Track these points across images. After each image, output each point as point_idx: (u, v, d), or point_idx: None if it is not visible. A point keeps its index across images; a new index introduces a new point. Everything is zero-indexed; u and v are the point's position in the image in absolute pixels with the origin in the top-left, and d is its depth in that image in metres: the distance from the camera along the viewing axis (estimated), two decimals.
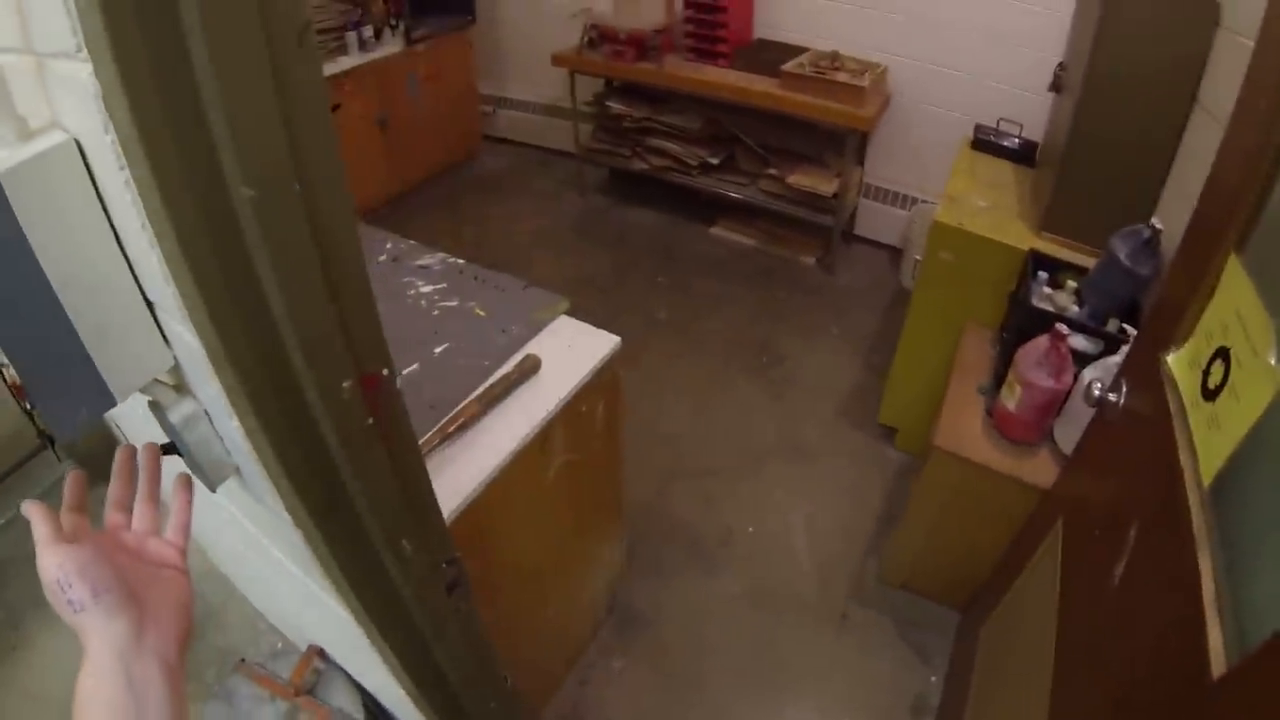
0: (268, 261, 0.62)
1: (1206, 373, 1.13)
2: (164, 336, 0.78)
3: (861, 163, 4.16)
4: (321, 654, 1.70)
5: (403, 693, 1.24)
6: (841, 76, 3.55)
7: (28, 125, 0.64)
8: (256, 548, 1.38)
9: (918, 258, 2.75)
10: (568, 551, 1.95)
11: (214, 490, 0.94)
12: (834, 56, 3.75)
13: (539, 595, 1.86)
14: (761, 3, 4.02)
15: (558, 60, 4.22)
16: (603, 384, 1.69)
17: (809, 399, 3.35)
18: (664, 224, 4.56)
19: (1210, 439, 1.05)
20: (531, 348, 1.64)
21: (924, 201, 3.99)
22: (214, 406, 0.82)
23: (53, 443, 2.44)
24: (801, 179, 3.91)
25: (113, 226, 0.69)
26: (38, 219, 0.64)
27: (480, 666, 1.28)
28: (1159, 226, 1.84)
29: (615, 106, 4.31)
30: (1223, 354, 1.09)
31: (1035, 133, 2.97)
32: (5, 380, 1.04)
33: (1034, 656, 1.48)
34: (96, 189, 0.67)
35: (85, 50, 0.52)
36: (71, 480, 0.76)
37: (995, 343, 2.40)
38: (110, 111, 0.54)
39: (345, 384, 0.74)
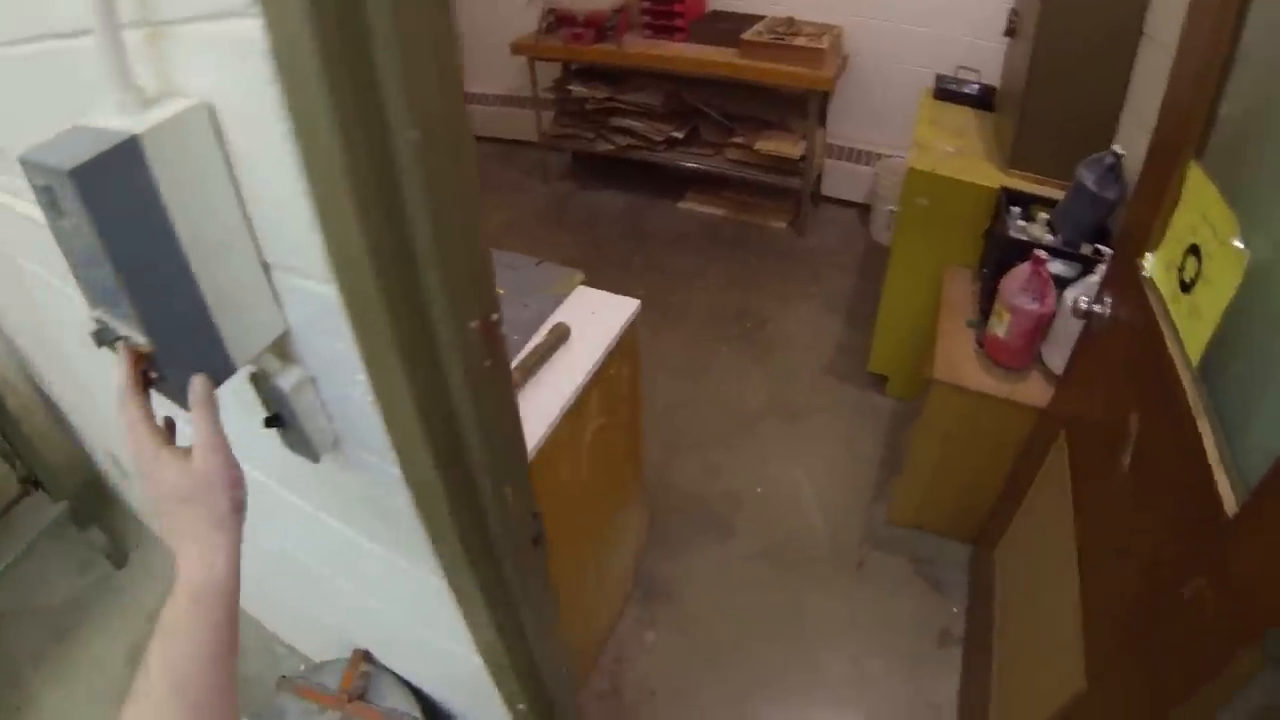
0: (423, 205, 0.70)
1: (1181, 270, 1.33)
2: (276, 301, 0.85)
3: (824, 124, 4.35)
4: (367, 657, 1.80)
5: (479, 661, 1.35)
6: (800, 40, 3.73)
7: (144, 93, 0.69)
8: (309, 541, 1.45)
9: (891, 208, 2.94)
10: (601, 520, 2.07)
11: (318, 460, 1.02)
12: (790, 21, 3.93)
13: (577, 566, 1.97)
14: None
15: (517, 48, 4.35)
16: (626, 346, 1.81)
17: (795, 359, 3.54)
18: (632, 203, 4.72)
19: (1192, 325, 1.25)
20: (556, 318, 1.75)
21: (888, 156, 4.20)
22: (331, 368, 0.89)
23: (39, 485, 2.53)
24: (767, 144, 4.10)
25: (236, 188, 0.75)
26: (172, 180, 0.69)
27: (553, 625, 1.39)
28: (1121, 152, 2.06)
29: (577, 89, 4.45)
30: (1194, 250, 1.29)
31: (993, 77, 3.19)
32: None
33: (1057, 559, 1.68)
34: (223, 151, 0.73)
35: (259, 5, 0.58)
36: (202, 384, 0.79)
37: (976, 279, 2.60)
38: (282, 62, 0.60)
39: (472, 324, 0.82)
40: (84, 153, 0.63)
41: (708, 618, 2.46)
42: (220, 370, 0.81)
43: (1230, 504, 1.03)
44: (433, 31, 0.63)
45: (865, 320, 3.51)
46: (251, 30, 0.60)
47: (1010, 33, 2.90)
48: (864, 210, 4.56)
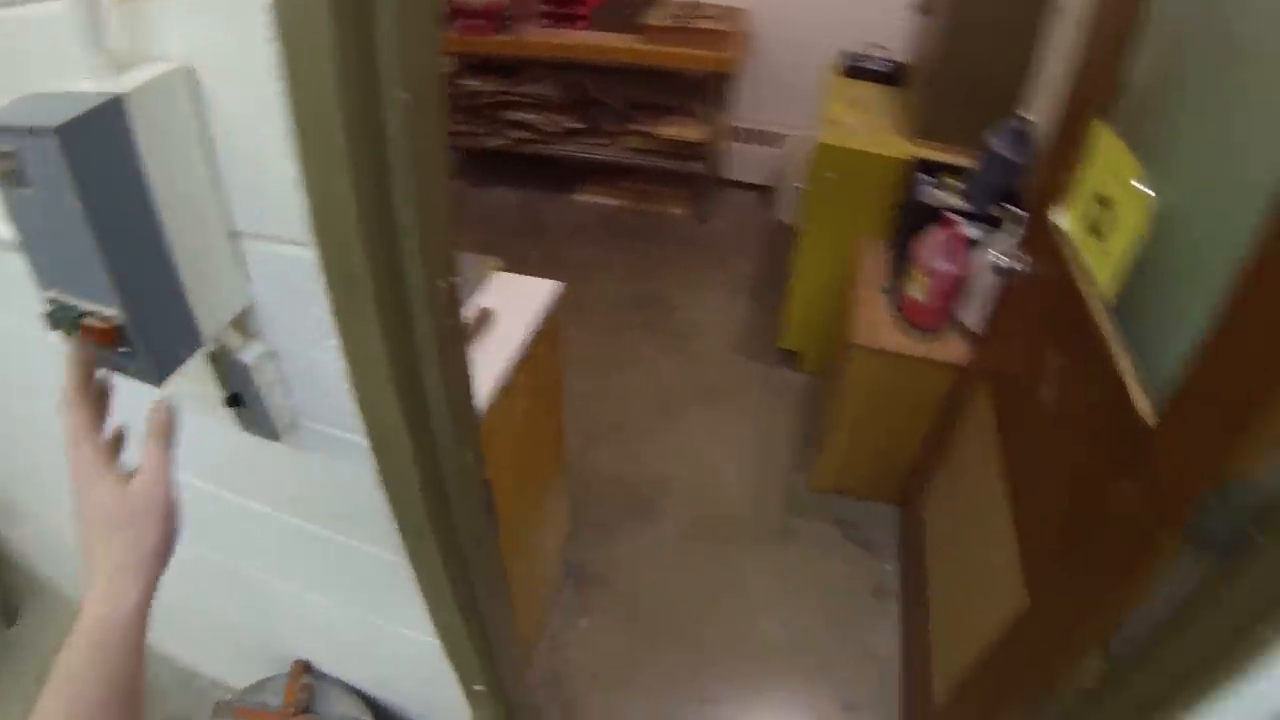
0: (407, 163, 0.74)
1: (1091, 219, 1.50)
2: (243, 273, 0.86)
3: (728, 107, 4.46)
4: (308, 668, 1.79)
5: (435, 642, 1.38)
6: (703, 23, 3.83)
7: (118, 58, 0.70)
8: (248, 544, 1.45)
9: (798, 185, 3.08)
10: (531, 505, 2.11)
11: (279, 438, 1.04)
12: (694, 4, 4.02)
13: (509, 553, 1.95)
14: None
15: None
16: (548, 328, 1.88)
17: (705, 342, 3.65)
18: (527, 199, 4.74)
19: (1104, 265, 1.42)
20: (480, 304, 1.78)
21: (795, 135, 4.33)
22: (296, 339, 0.91)
23: None
24: (669, 130, 4.18)
25: (211, 155, 0.77)
26: (151, 144, 0.70)
27: (505, 599, 1.46)
28: (1030, 118, 2.25)
29: (470, 84, 4.43)
30: (1102, 200, 1.46)
31: (901, 53, 3.37)
32: None
33: (986, 497, 1.83)
34: (200, 117, 0.74)
35: None
36: (164, 411, 0.77)
37: (889, 248, 2.76)
38: (284, 20, 0.63)
39: (442, 284, 0.86)
40: (67, 112, 0.63)
41: (641, 598, 2.54)
42: (188, 343, 0.82)
43: (1148, 415, 1.19)
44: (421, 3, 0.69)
45: (772, 300, 3.67)
46: None
47: (921, 9, 3.08)
48: (767, 192, 4.70)
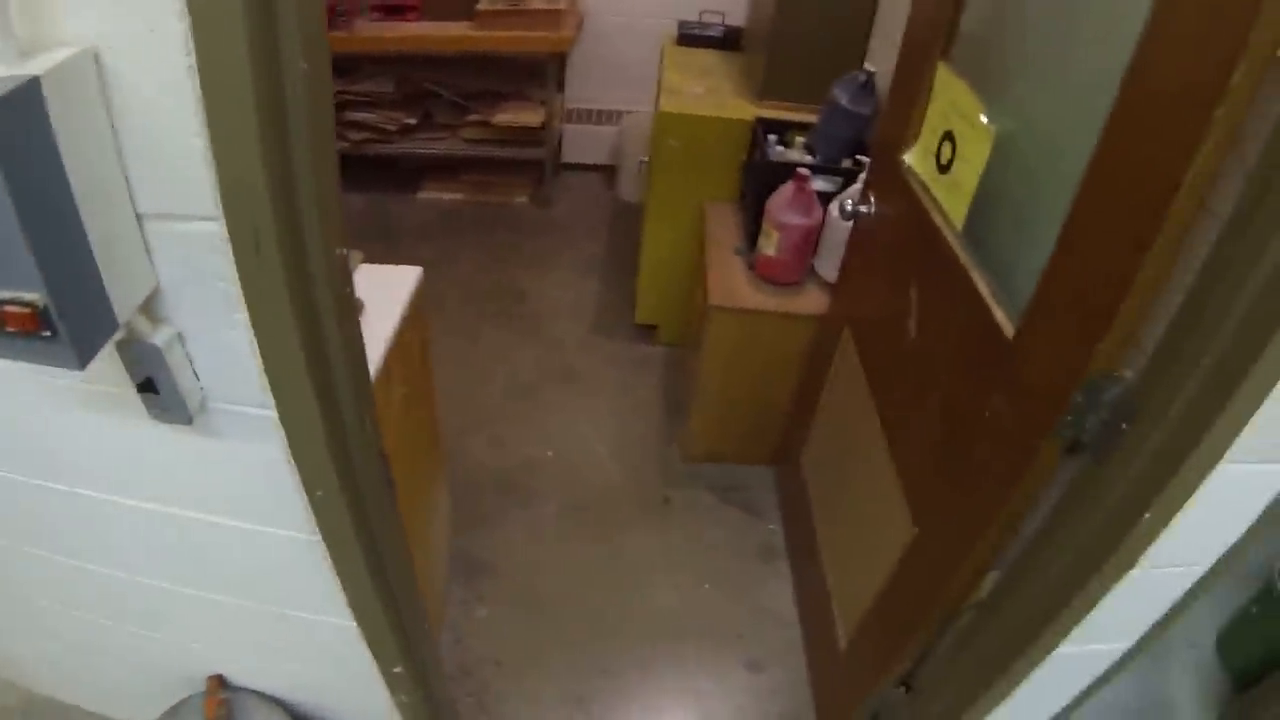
0: (306, 134, 0.78)
1: (938, 155, 1.59)
2: (148, 256, 0.88)
3: (562, 88, 4.49)
4: (223, 682, 1.75)
5: (352, 624, 1.39)
6: (536, 4, 3.84)
7: (21, 42, 0.71)
8: (147, 553, 1.41)
9: (642, 159, 3.14)
10: (416, 495, 2.11)
11: (191, 421, 1.04)
12: None
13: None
14: None
15: None
16: (415, 314, 1.90)
17: (560, 325, 3.70)
18: (371, 202, 4.67)
19: (953, 197, 1.52)
20: None
21: (632, 111, 4.42)
22: (204, 318, 0.93)
23: None
24: (506, 116, 4.20)
25: (115, 136, 0.78)
26: (64, 126, 0.71)
27: (411, 576, 1.48)
28: (872, 70, 2.37)
29: None
30: (948, 136, 1.56)
31: (737, 19, 3.48)
32: None
33: (863, 438, 1.95)
34: (105, 98, 0.76)
35: None
36: None
37: (738, 210, 2.86)
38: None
39: (339, 250, 0.92)
40: None
41: (533, 582, 2.58)
42: (106, 326, 0.84)
43: (1008, 329, 1.29)
44: None
45: (623, 277, 3.79)
46: None
47: None
48: (609, 171, 4.79)
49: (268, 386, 0.98)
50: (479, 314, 3.77)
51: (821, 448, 2.35)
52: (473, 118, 4.29)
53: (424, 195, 4.67)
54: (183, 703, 1.78)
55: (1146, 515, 0.99)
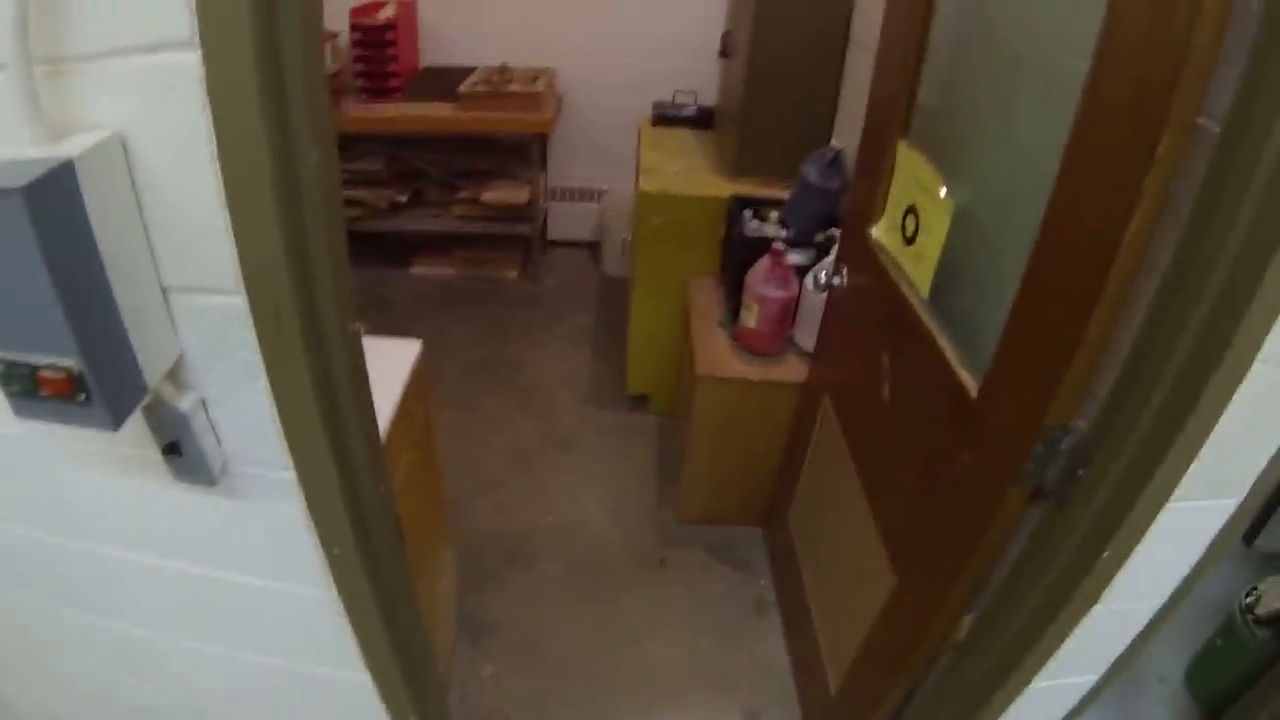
0: (319, 215, 0.84)
1: (903, 228, 1.68)
2: (173, 326, 0.92)
3: (545, 167, 4.57)
4: None
5: (366, 678, 1.41)
6: (515, 86, 3.95)
7: (53, 128, 0.75)
8: (166, 608, 1.42)
9: (626, 237, 3.22)
10: (420, 560, 2.13)
11: (214, 483, 1.07)
12: (503, 69, 4.10)
13: None
14: (424, 31, 4.31)
15: None
16: (417, 384, 1.94)
17: (555, 395, 3.76)
18: (366, 278, 4.73)
19: (919, 268, 1.60)
20: None
21: (611, 190, 4.53)
22: (225, 385, 0.97)
23: None
24: (494, 195, 4.28)
25: (141, 214, 0.83)
26: (96, 205, 0.76)
27: (422, 631, 1.52)
28: (839, 146, 2.46)
29: None
30: (911, 210, 1.64)
31: (709, 98, 3.59)
32: None
33: (844, 496, 2.00)
34: (132, 179, 0.81)
35: (199, 39, 0.70)
36: None
37: (719, 284, 2.94)
38: (217, 90, 0.72)
39: (353, 326, 0.97)
40: (28, 174, 0.69)
41: (536, 641, 2.61)
42: (135, 391, 0.88)
43: (973, 389, 1.36)
44: (318, 68, 0.80)
45: (613, 348, 3.86)
46: (187, 61, 0.72)
47: (724, 53, 3.29)
48: (593, 247, 4.87)
49: (287, 449, 1.02)
50: (476, 385, 3.82)
51: (807, 507, 2.40)
52: (462, 195, 4.35)
53: (417, 270, 4.74)
54: None
55: (1105, 554, 1.05)
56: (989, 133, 1.53)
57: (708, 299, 2.89)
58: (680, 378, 3.13)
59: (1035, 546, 1.20)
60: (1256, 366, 0.88)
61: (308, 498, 1.09)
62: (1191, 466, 0.97)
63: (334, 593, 1.24)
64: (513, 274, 4.69)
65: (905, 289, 1.66)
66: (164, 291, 0.89)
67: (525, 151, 4.20)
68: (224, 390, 0.99)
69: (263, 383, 0.95)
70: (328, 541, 1.15)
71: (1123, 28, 1.00)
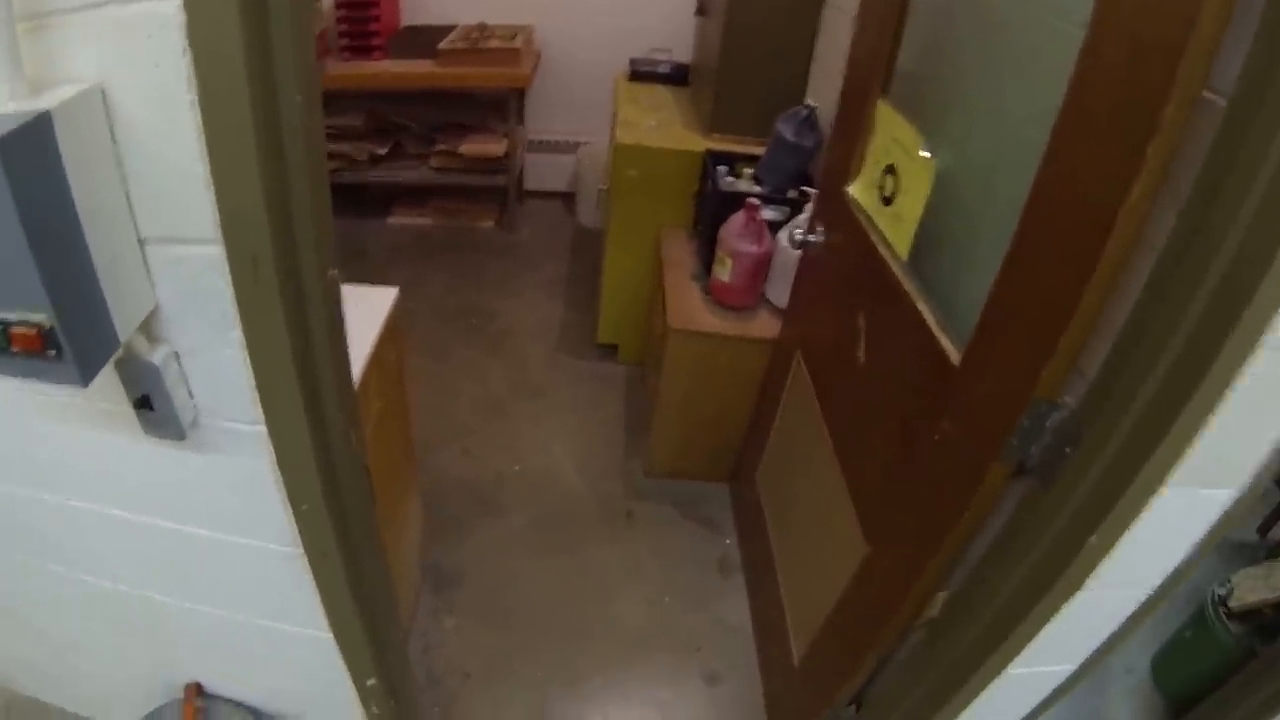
0: (301, 161, 0.81)
1: (881, 188, 1.58)
2: (149, 277, 0.89)
3: (523, 121, 4.51)
4: (200, 690, 1.72)
5: (328, 636, 1.37)
6: (494, 43, 3.88)
7: (32, 81, 0.73)
8: (134, 560, 1.40)
9: (601, 188, 3.13)
10: (392, 506, 2.10)
11: (184, 437, 1.05)
12: (482, 27, 4.06)
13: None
14: None
15: None
16: (391, 331, 1.89)
17: (526, 344, 3.68)
18: (346, 227, 4.66)
19: (897, 229, 1.50)
20: None
21: (587, 142, 4.46)
22: (200, 338, 0.94)
23: None
24: (471, 147, 4.21)
25: (120, 165, 0.81)
26: (73, 157, 0.74)
27: (389, 590, 1.46)
28: (814, 104, 2.36)
29: None
30: (889, 169, 1.55)
31: (684, 54, 3.52)
32: None
33: (815, 458, 1.92)
34: (111, 130, 0.79)
35: None
36: None
37: (693, 236, 2.85)
38: (197, 36, 0.70)
39: (331, 272, 0.94)
40: (3, 126, 0.66)
41: (501, 593, 2.54)
42: (107, 345, 0.84)
43: (955, 356, 1.27)
44: (305, 11, 0.76)
45: (585, 299, 3.79)
46: (167, 9, 0.69)
47: (701, 11, 3.21)
48: (569, 198, 4.79)
49: (259, 402, 0.99)
50: (449, 333, 3.75)
51: (776, 466, 2.32)
52: (440, 148, 4.30)
53: (394, 220, 4.67)
54: (161, 708, 1.76)
55: (1092, 539, 0.97)
56: (972, 96, 1.43)
57: (681, 252, 2.81)
58: (650, 329, 3.05)
59: (1017, 526, 1.12)
60: (1262, 351, 0.80)
61: (278, 452, 1.06)
62: (1188, 452, 0.89)
63: (299, 549, 1.21)
64: (489, 224, 4.61)
65: (883, 250, 1.57)
66: (140, 243, 0.87)
67: (503, 106, 4.14)
68: (198, 342, 0.96)
69: (237, 333, 0.92)
70: (296, 497, 1.12)
71: None
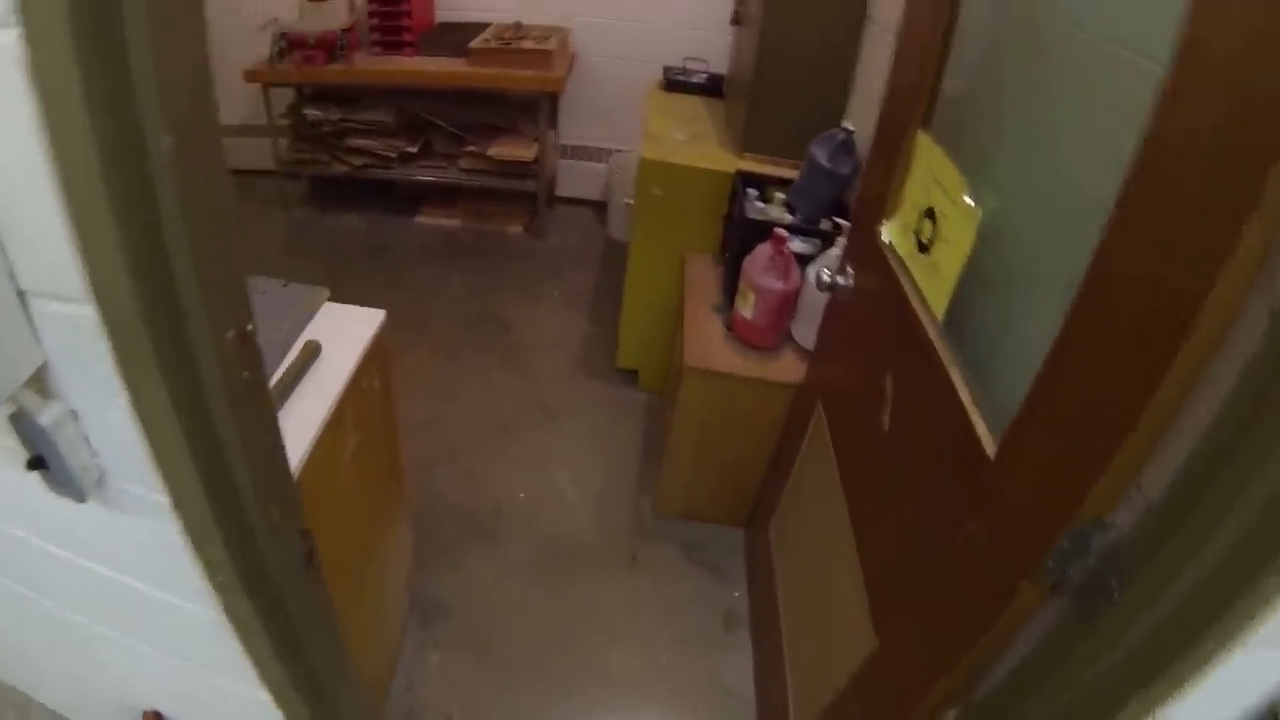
0: (178, 213, 0.69)
1: (918, 232, 1.40)
2: (34, 332, 0.82)
3: (555, 125, 4.41)
4: (159, 717, 1.67)
5: (267, 696, 1.29)
6: (527, 44, 3.80)
7: None
8: (77, 595, 1.37)
9: (628, 200, 2.98)
10: (370, 540, 2.01)
11: (83, 500, 0.97)
12: (517, 26, 3.99)
13: (352, 591, 1.90)
14: None
15: (250, 75, 4.08)
16: (376, 357, 1.77)
17: (544, 359, 3.55)
18: (371, 223, 4.60)
19: (934, 283, 1.32)
20: (306, 337, 1.70)
21: (621, 151, 4.34)
22: (92, 397, 0.87)
23: None
24: (501, 150, 4.12)
25: None
26: None
27: (339, 651, 1.36)
28: (851, 128, 2.18)
29: (311, 113, 4.27)
30: (928, 213, 1.36)
31: (720, 66, 3.36)
32: None
33: (830, 525, 1.74)
34: None
35: (18, 13, 0.58)
36: None
37: (718, 263, 2.68)
38: (39, 71, 0.60)
39: (229, 335, 0.82)
40: None
41: (489, 631, 2.41)
42: None
43: (990, 446, 1.09)
44: (186, 38, 0.66)
45: (610, 316, 3.58)
46: (5, 39, 0.60)
47: (736, 21, 3.05)
48: (600, 208, 4.67)
49: (156, 471, 0.91)
50: (466, 342, 3.64)
51: (791, 521, 2.15)
52: (469, 148, 4.21)
53: (422, 219, 4.61)
54: None
55: (1131, 702, 0.79)
56: (1023, 135, 1.23)
57: (705, 279, 2.64)
58: (671, 358, 2.89)
59: (1046, 658, 0.94)
60: None
61: (185, 526, 0.97)
62: (1266, 611, 0.70)
63: (223, 614, 1.13)
64: (517, 229, 4.52)
65: (916, 304, 1.39)
66: (20, 295, 0.79)
67: (535, 108, 4.05)
68: (89, 403, 0.89)
69: (122, 399, 0.84)
70: (210, 570, 1.03)
71: (1216, 22, 0.72)
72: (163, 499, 0.94)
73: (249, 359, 0.87)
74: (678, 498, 2.70)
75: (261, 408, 0.94)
